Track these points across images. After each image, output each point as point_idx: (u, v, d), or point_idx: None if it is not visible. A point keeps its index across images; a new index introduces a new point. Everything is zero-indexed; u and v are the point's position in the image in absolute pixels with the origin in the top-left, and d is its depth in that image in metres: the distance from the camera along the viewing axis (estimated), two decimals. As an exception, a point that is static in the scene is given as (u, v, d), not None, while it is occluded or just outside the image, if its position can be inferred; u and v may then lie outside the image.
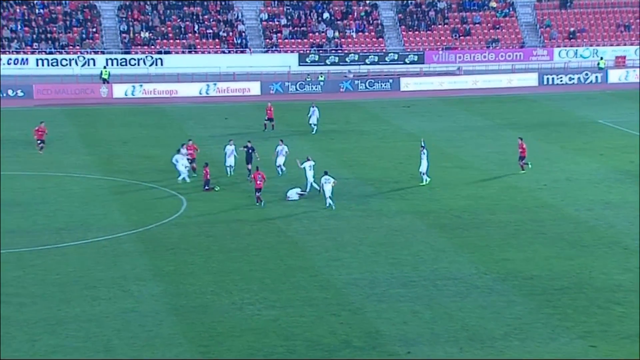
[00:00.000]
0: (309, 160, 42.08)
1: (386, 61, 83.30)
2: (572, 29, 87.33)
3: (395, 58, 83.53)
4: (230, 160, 44.72)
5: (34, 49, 79.12)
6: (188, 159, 44.24)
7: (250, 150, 44.43)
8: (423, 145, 44.38)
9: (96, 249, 33.88)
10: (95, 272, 31.31)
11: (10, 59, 77.78)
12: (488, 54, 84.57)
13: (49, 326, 26.88)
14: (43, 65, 77.86)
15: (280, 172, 44.80)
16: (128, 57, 79.65)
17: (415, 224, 37.42)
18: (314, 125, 56.43)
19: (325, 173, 40.38)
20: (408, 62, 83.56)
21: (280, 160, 45.06)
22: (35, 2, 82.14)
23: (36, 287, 29.83)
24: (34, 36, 79.96)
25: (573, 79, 77.79)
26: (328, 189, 39.59)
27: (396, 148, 52.96)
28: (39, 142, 50.42)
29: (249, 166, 43.94)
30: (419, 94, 74.24)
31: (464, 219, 38.23)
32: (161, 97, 71.27)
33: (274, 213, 38.92)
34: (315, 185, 41.41)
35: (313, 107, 56.99)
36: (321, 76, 76.55)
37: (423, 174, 43.62)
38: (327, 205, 39.41)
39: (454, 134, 57.20)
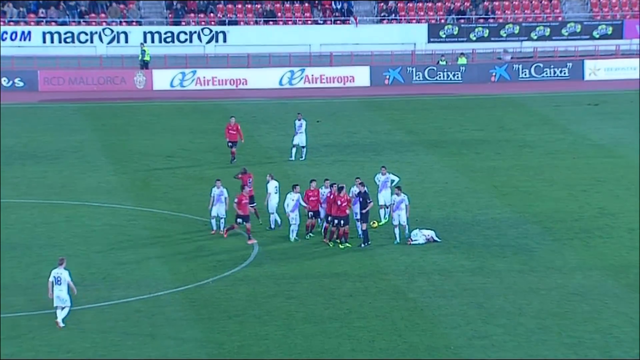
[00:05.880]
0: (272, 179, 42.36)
1: (563, 35, 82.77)
2: None
3: (578, 30, 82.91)
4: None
5: (40, 17, 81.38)
6: None
7: (361, 197, 40.62)
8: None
9: (125, 315, 34.48)
10: (124, 349, 31.84)
11: (5, 32, 79.82)
12: None
13: None
14: (52, 41, 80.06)
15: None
16: (176, 29, 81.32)
17: (606, 285, 37.05)
18: (303, 146, 53.20)
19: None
20: (597, 36, 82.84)
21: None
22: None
23: (36, 370, 30.54)
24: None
25: None
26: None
27: (577, 168, 52.57)
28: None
29: (363, 211, 40.79)
30: (613, 85, 73.38)
31: (682, 278, 37.65)
32: (223, 89, 72.40)
33: (388, 264, 38.97)
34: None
35: (299, 120, 53.45)
36: (462, 58, 76.52)
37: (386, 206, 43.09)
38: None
39: (667, 146, 56.51)
